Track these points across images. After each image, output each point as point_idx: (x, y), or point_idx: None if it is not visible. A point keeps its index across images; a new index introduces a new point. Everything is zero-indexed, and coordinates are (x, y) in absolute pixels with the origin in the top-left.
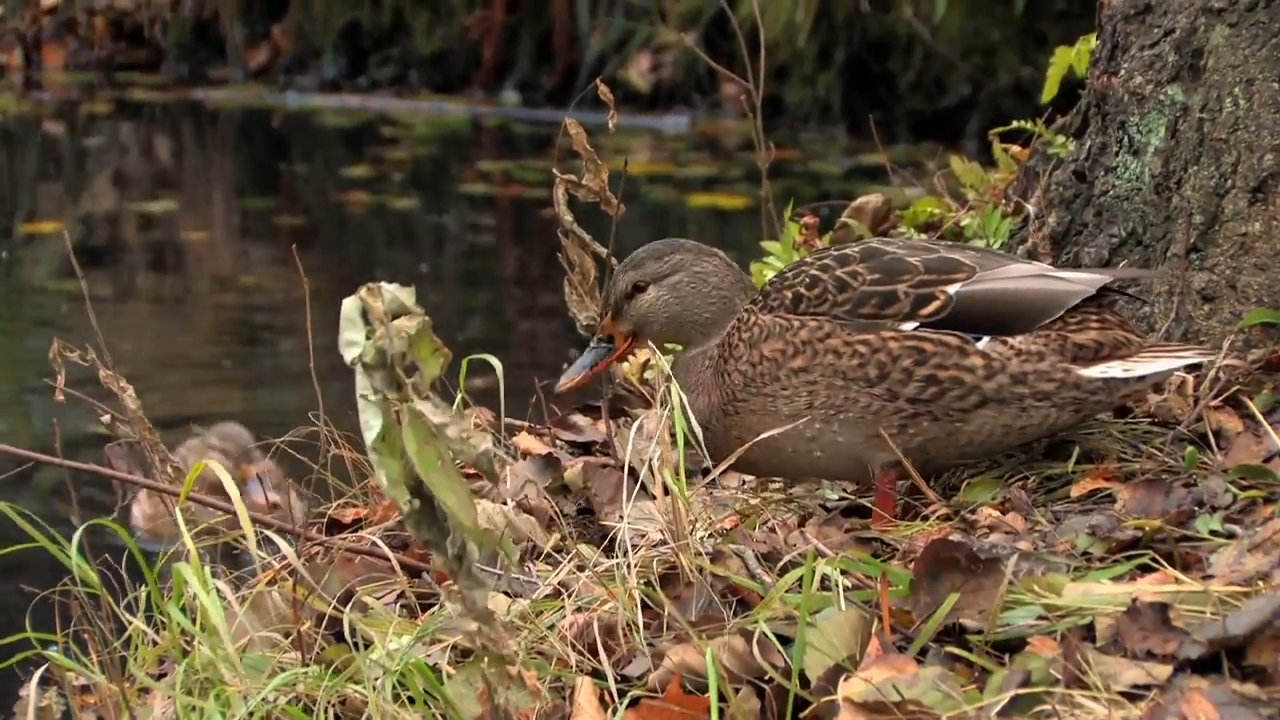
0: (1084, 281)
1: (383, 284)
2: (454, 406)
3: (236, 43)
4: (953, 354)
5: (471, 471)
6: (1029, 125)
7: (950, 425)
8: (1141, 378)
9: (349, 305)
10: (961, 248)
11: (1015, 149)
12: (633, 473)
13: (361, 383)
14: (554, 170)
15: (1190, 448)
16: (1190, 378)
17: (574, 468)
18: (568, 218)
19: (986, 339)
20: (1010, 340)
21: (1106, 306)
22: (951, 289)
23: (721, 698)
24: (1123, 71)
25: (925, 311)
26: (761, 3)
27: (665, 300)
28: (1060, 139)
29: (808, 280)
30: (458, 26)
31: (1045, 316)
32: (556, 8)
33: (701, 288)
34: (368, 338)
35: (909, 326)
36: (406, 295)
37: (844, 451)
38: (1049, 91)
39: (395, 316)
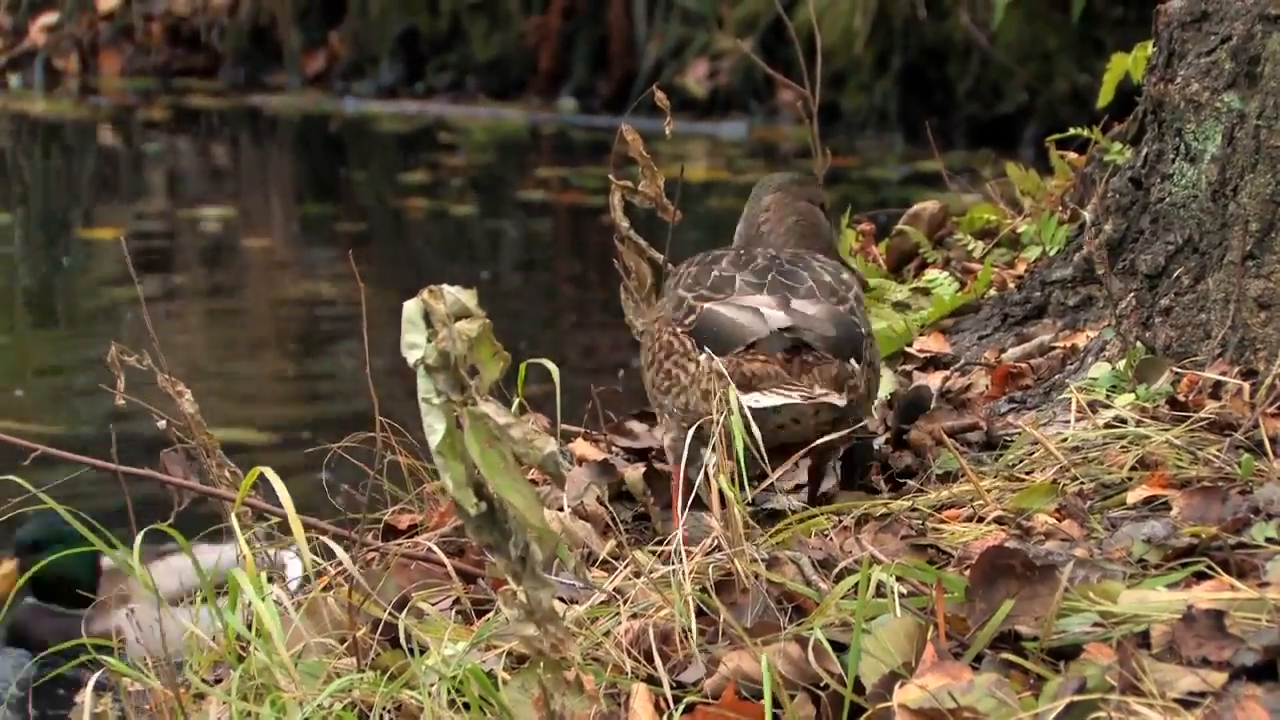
0: (776, 321)
1: (444, 286)
2: (512, 411)
3: (293, 49)
4: (684, 355)
5: (531, 476)
6: (1086, 132)
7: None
8: (761, 409)
9: (411, 307)
10: (779, 265)
11: (1072, 156)
12: (689, 479)
13: (424, 385)
14: (610, 177)
15: (1246, 455)
16: (1247, 385)
17: (633, 472)
18: (624, 224)
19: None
20: (702, 359)
21: (800, 347)
22: (705, 305)
23: (776, 704)
24: (1179, 79)
25: (687, 320)
26: (819, 9)
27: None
28: (1117, 146)
29: (684, 266)
30: (515, 33)
31: (733, 347)
32: (613, 14)
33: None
34: (429, 340)
35: (681, 329)
36: (468, 297)
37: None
38: (1104, 98)
39: (457, 319)
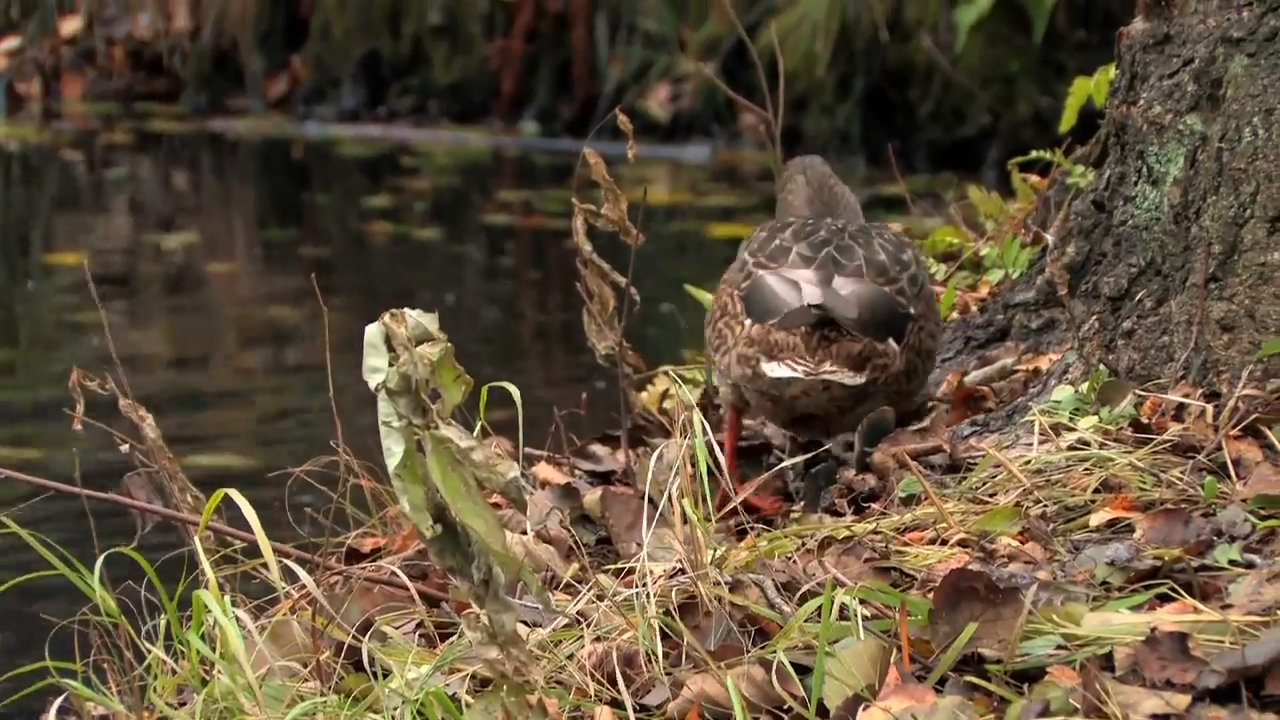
0: (810, 297)
1: (405, 310)
2: (474, 435)
3: (255, 73)
4: (727, 314)
5: (493, 499)
6: (1048, 155)
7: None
8: (773, 379)
9: (372, 331)
10: (840, 239)
11: (1034, 179)
12: (652, 502)
13: (384, 409)
14: (573, 200)
15: (1209, 477)
16: (1210, 407)
17: (592, 496)
18: (587, 247)
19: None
20: (746, 324)
21: (827, 323)
22: (760, 272)
23: None
24: (1142, 101)
25: (743, 285)
26: (780, 32)
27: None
28: (1079, 169)
29: (758, 230)
30: (477, 57)
31: (770, 317)
32: (575, 38)
33: (783, 204)
34: (391, 364)
35: (738, 292)
36: (430, 321)
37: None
38: (1068, 121)
39: (419, 343)
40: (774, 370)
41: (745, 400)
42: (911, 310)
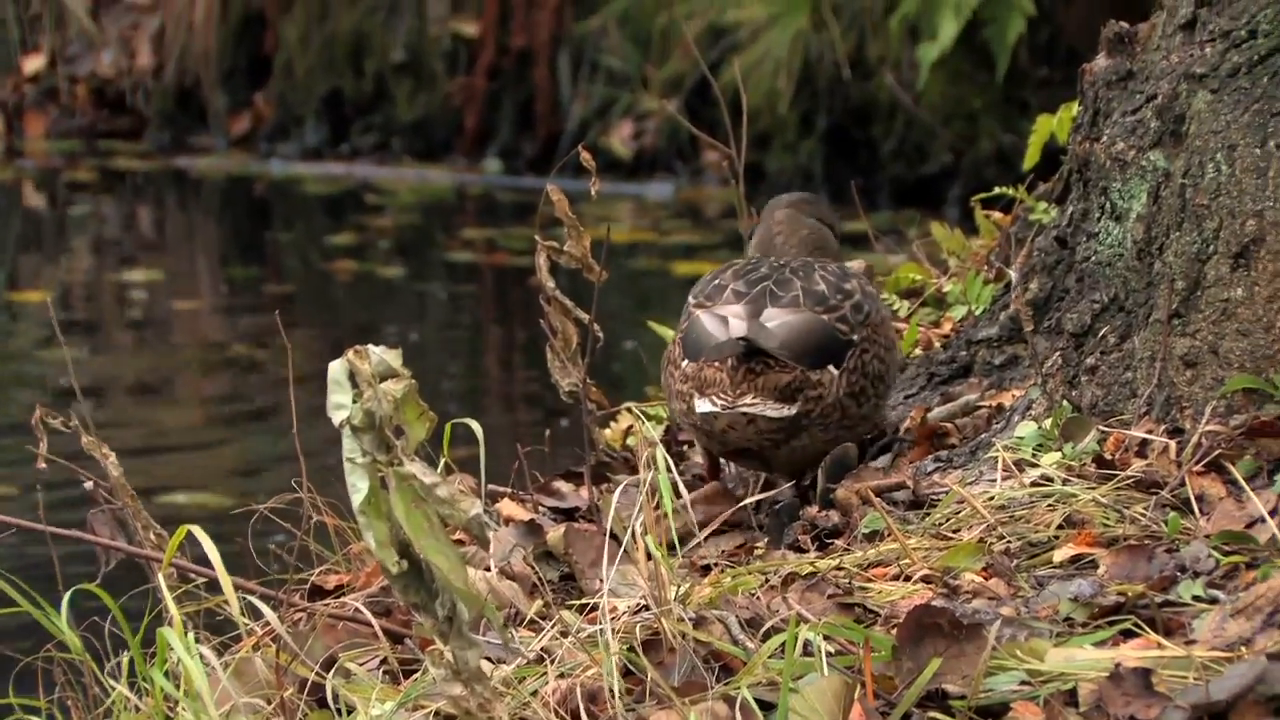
0: (736, 331)
1: (369, 346)
2: (438, 472)
3: (219, 110)
4: (670, 362)
5: (456, 536)
6: (1011, 192)
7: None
8: (702, 414)
9: (336, 368)
10: (780, 274)
11: (997, 215)
12: (616, 538)
13: (349, 445)
14: (536, 237)
15: (1173, 513)
16: (1173, 443)
17: (555, 532)
18: (550, 284)
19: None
20: (682, 364)
21: (755, 354)
22: (696, 312)
23: None
24: (1105, 137)
25: (682, 326)
26: (743, 70)
27: None
28: (1042, 205)
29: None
30: (439, 94)
31: (702, 354)
32: (538, 75)
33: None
34: (355, 400)
35: (679, 335)
36: (393, 357)
37: None
38: (1031, 158)
39: (383, 379)
40: (701, 406)
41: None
42: (854, 337)
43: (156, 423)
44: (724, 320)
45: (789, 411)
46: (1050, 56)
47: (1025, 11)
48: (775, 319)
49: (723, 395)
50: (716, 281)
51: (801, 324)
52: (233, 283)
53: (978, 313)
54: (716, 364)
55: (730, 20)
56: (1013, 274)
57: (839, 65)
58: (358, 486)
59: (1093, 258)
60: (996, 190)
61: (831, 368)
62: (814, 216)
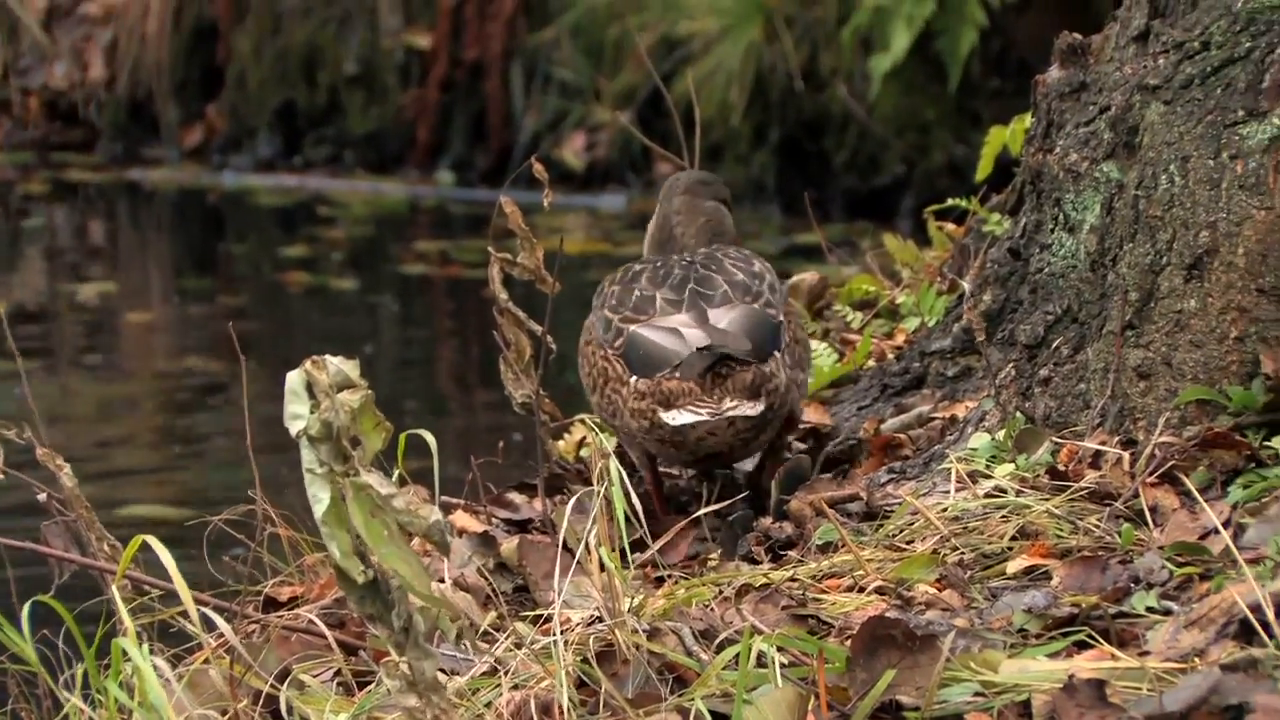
0: (695, 341)
1: (327, 357)
2: (393, 482)
3: (171, 122)
4: (610, 380)
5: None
6: (964, 203)
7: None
8: (676, 427)
9: (293, 378)
10: (694, 271)
11: (950, 227)
12: (570, 549)
13: (307, 456)
14: (489, 249)
15: (1127, 524)
16: (1127, 455)
17: (509, 544)
18: (503, 296)
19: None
20: (632, 381)
21: (720, 364)
22: (633, 327)
23: None
24: (1058, 148)
25: (617, 344)
26: (696, 81)
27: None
28: (995, 216)
29: (606, 284)
30: (392, 106)
31: (658, 369)
32: (490, 87)
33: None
34: (312, 411)
35: (613, 352)
36: (351, 368)
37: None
38: (983, 170)
39: (340, 389)
40: (676, 418)
41: (650, 452)
42: (779, 318)
43: (110, 435)
44: (675, 332)
45: (762, 407)
46: (1003, 68)
47: (977, 23)
48: (722, 320)
49: (701, 403)
50: (638, 292)
51: (745, 319)
52: (185, 294)
53: (931, 324)
54: (677, 376)
55: (683, 32)
56: (966, 285)
57: (791, 77)
58: (319, 497)
59: (1046, 269)
60: (950, 202)
61: (776, 353)
62: (712, 198)
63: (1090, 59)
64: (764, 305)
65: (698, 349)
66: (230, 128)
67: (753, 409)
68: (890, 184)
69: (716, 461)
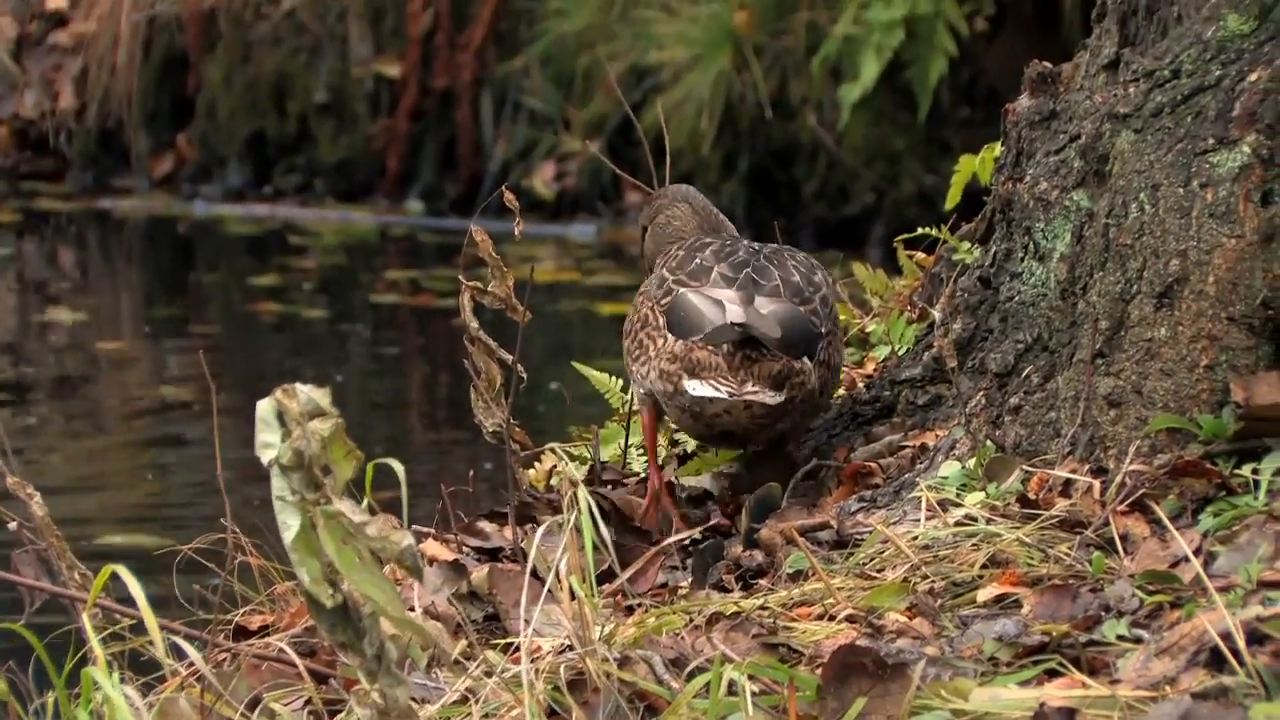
0: (733, 316)
1: (298, 385)
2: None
3: (141, 152)
4: (648, 326)
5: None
6: (934, 232)
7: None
8: (695, 397)
9: (264, 407)
10: (757, 260)
11: (920, 256)
12: (540, 578)
13: (277, 484)
14: (460, 278)
15: (1097, 553)
16: (1097, 483)
17: (479, 572)
18: (473, 324)
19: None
20: (669, 340)
21: (749, 342)
22: (681, 289)
23: None
24: (1028, 177)
25: (664, 301)
26: (665, 110)
27: (649, 239)
28: (965, 245)
29: (674, 248)
30: (362, 135)
31: (693, 333)
32: (460, 116)
33: (666, 229)
34: (284, 439)
35: (659, 307)
36: (321, 396)
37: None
38: (953, 198)
39: (311, 418)
40: (696, 389)
41: (660, 409)
42: (823, 329)
43: (81, 464)
44: (719, 304)
45: (781, 399)
46: (972, 97)
47: (947, 52)
48: (765, 308)
49: (724, 381)
50: (698, 260)
51: (787, 315)
52: (156, 324)
53: (901, 353)
54: (710, 348)
55: (652, 61)
56: (936, 314)
57: (761, 106)
58: (288, 524)
59: (1016, 297)
60: (919, 230)
61: (807, 359)
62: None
63: (1060, 87)
64: (810, 312)
65: (730, 323)
66: (200, 157)
67: (772, 398)
68: (860, 213)
69: (731, 440)
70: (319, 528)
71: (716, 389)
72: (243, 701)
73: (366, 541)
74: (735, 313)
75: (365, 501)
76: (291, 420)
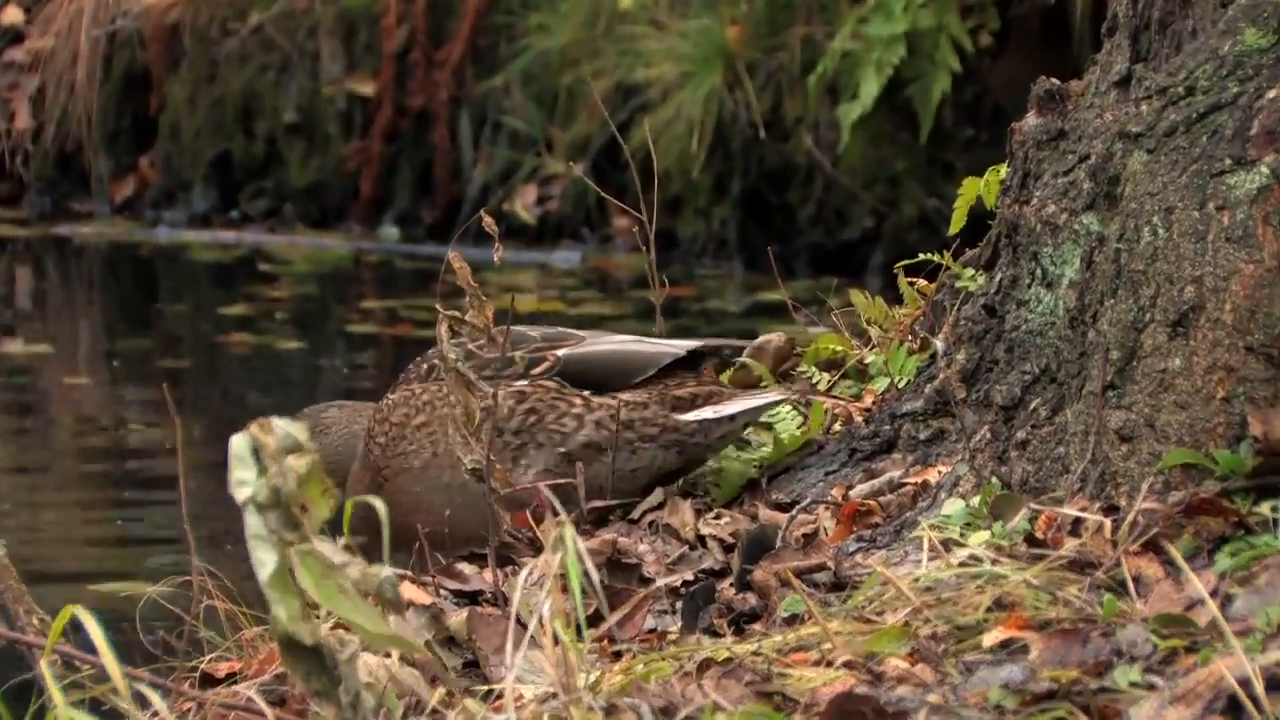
0: (676, 346)
1: (273, 419)
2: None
3: (101, 175)
4: (549, 394)
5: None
6: (936, 258)
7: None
8: (732, 416)
9: (239, 443)
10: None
11: (921, 283)
12: (522, 622)
13: (253, 522)
14: (438, 307)
15: (1108, 595)
16: (1108, 522)
17: (458, 617)
18: (452, 356)
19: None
20: (618, 395)
21: (703, 369)
22: (559, 352)
23: None
24: (1035, 200)
25: (536, 371)
26: (654, 130)
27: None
28: (969, 272)
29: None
30: (334, 158)
31: (640, 374)
32: (437, 138)
33: (325, 438)
34: (260, 476)
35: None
36: (299, 431)
37: (476, 497)
38: (956, 223)
39: (288, 453)
40: (750, 402)
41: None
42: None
43: (41, 502)
44: (643, 342)
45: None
46: (976, 116)
47: (950, 69)
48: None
49: (764, 390)
50: (534, 334)
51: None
52: (121, 357)
53: (901, 385)
54: (696, 378)
55: (640, 79)
56: (938, 344)
57: (754, 126)
58: (264, 561)
59: (1023, 326)
60: (921, 256)
61: None
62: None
63: (1069, 105)
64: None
65: (690, 350)
66: (164, 180)
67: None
68: (858, 238)
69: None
70: (296, 566)
71: (766, 396)
72: None
73: (346, 577)
74: (675, 343)
75: (340, 541)
76: (268, 456)
